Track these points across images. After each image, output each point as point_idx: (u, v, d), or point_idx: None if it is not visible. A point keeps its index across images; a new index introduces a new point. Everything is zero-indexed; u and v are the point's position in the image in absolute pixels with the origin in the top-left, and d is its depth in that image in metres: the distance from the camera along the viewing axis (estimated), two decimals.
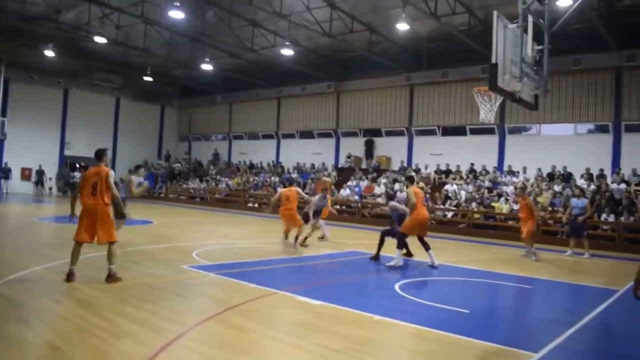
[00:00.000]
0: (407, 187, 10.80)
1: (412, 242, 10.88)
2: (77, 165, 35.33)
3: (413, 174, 10.95)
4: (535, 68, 9.48)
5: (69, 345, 4.79)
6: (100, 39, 23.76)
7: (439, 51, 23.82)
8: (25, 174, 31.13)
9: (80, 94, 33.50)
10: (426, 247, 10.46)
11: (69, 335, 5.09)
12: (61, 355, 4.55)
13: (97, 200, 7.43)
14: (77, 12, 23.12)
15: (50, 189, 31.49)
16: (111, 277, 7.42)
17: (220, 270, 8.77)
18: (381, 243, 11.02)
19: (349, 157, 28.06)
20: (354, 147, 28.16)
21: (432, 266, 10.27)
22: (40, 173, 30.54)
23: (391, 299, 7.61)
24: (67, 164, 33.44)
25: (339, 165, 28.26)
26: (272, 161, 31.79)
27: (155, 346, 4.81)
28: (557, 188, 19.24)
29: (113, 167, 36.13)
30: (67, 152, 33.02)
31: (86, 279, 7.51)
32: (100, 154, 7.74)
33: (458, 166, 23.53)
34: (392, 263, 10.15)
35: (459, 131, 24.50)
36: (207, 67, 27.80)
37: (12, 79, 30.01)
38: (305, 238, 12.87)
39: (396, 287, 8.27)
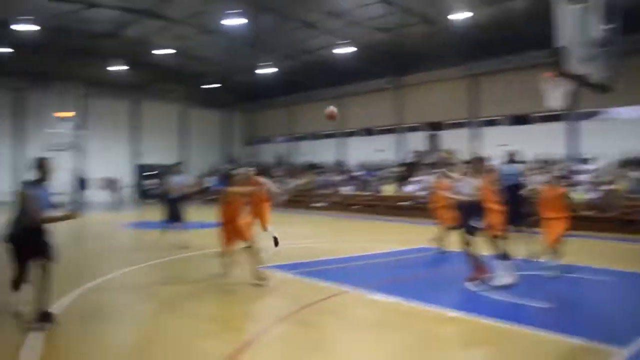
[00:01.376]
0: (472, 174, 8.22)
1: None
2: (149, 174, 36.82)
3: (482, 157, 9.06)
4: (605, 49, 9.04)
5: (153, 344, 5.02)
6: (162, 51, 24.64)
7: (500, 38, 23.09)
8: (102, 184, 32.80)
9: (150, 105, 35.11)
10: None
11: (153, 334, 5.33)
12: (146, 353, 4.78)
13: None
14: (140, 27, 24.11)
15: (124, 196, 33.00)
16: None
17: (292, 270, 8.92)
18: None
19: (412, 152, 27.76)
20: (417, 141, 27.83)
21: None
22: (115, 182, 32.09)
23: (465, 295, 7.49)
24: (140, 172, 34.89)
25: (404, 161, 28.03)
26: (335, 160, 31.90)
27: (236, 344, 4.97)
28: (634, 174, 18.24)
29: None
30: (139, 161, 34.56)
31: (167, 281, 7.84)
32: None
33: (526, 156, 22.76)
34: (499, 282, 7.59)
35: (525, 120, 23.72)
36: (265, 71, 28.24)
37: (89, 95, 31.58)
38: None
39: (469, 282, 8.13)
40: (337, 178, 28.68)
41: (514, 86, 23.93)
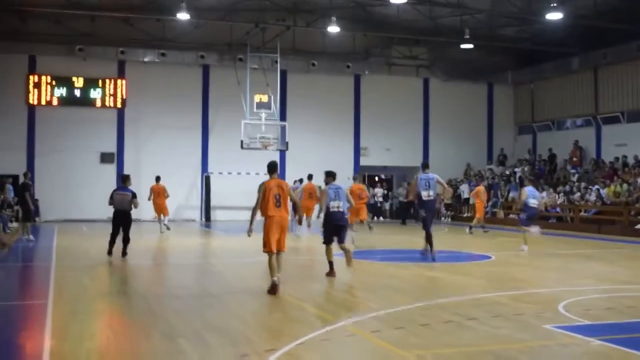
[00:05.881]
0: None
1: None
2: (377, 179, 38.26)
3: None
4: None
5: None
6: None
7: None
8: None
9: (375, 79, 36.49)
10: None
11: None
12: None
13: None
14: None
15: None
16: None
17: (608, 335, 8.36)
18: None
19: None
20: None
21: None
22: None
23: None
24: (365, 176, 35.92)
25: None
26: None
27: None
28: None
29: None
30: (362, 161, 36.11)
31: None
32: (272, 168, 11.77)
33: None
34: None
35: None
36: (554, 16, 27.16)
37: (289, 71, 34.02)
38: None
39: None
40: None
41: None
